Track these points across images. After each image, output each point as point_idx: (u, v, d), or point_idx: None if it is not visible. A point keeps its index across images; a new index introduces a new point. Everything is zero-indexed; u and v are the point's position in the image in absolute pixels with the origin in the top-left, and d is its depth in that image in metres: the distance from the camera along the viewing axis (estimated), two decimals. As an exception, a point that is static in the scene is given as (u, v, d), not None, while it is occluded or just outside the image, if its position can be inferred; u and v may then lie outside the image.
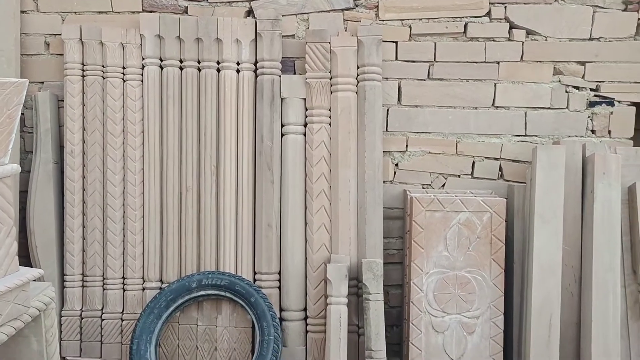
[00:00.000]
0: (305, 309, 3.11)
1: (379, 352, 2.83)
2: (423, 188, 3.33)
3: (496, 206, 3.03)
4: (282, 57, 3.20)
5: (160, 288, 3.11)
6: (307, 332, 3.10)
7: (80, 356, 3.12)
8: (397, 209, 3.33)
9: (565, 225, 2.95)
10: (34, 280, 2.43)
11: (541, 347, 2.83)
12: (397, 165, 3.33)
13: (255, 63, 3.18)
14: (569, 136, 3.24)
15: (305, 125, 3.17)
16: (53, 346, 2.57)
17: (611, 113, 3.22)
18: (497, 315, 3.01)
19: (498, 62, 3.24)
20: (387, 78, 3.26)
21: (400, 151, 3.31)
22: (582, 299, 2.92)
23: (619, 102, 3.22)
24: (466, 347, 3.00)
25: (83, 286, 3.15)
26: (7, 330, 2.22)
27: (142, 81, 3.17)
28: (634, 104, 3.23)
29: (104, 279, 3.15)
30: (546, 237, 2.88)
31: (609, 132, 3.24)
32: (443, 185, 3.33)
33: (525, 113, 3.26)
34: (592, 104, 3.23)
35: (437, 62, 3.27)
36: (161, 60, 3.18)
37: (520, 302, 3.06)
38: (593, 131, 3.25)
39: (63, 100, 3.21)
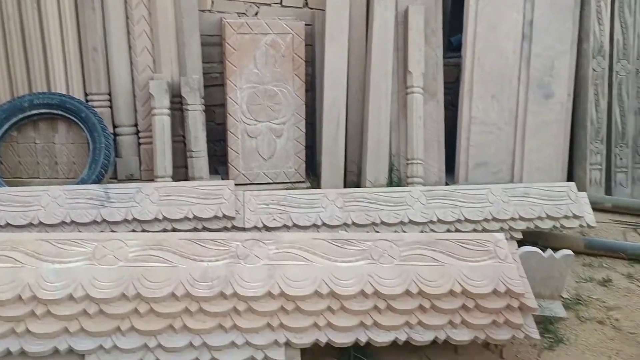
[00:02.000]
0: (136, 125, 3.46)
1: (199, 152, 3.30)
2: (239, 16, 3.66)
3: (297, 28, 3.46)
4: None
5: (-5, 112, 3.29)
6: (139, 144, 3.48)
7: None
8: (216, 36, 3.66)
9: (353, 43, 3.48)
10: None
11: (331, 140, 3.45)
12: (214, -5, 3.61)
13: None
14: (361, -32, 3.67)
15: (122, -46, 3.30)
16: None
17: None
18: (299, 121, 3.57)
19: None
20: None
21: (216, -19, 3.58)
22: (364, 103, 3.53)
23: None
24: (275, 148, 3.56)
25: None
26: None
27: None
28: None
29: (-64, 105, 3.26)
30: (335, 51, 3.40)
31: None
32: (256, 14, 3.68)
33: (325, -54, 3.61)
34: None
35: None
36: None
37: (320, 109, 3.62)
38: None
39: None
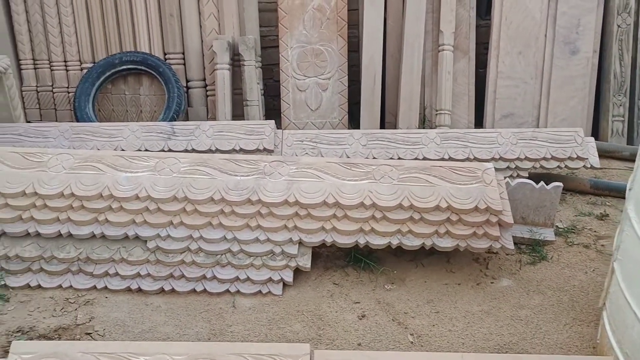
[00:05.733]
0: (204, 79, 4.04)
1: (253, 102, 3.82)
2: (293, -15, 4.11)
3: (340, -7, 3.86)
4: None
5: (94, 68, 3.98)
6: (207, 96, 4.06)
7: (40, 120, 4.07)
8: (273, 2, 4.13)
9: (391, 6, 3.83)
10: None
11: (368, 93, 3.84)
12: (271, -34, 4.07)
13: None
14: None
15: None
16: (15, 100, 3.49)
17: None
18: (343, 77, 3.98)
19: None
20: None
21: (273, -46, 4.04)
22: (400, 61, 3.88)
23: None
24: (322, 101, 4.01)
25: (35, 68, 4.01)
26: (-22, 80, 3.10)
27: None
28: None
29: (50, 62, 4.00)
30: (372, 13, 3.76)
31: None
32: (309, -18, 4.10)
33: None
34: None
35: None
36: None
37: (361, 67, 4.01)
38: None
39: None
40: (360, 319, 2.34)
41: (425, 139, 3.21)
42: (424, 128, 3.86)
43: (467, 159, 3.16)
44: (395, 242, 2.51)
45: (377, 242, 2.51)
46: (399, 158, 3.17)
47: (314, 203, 2.53)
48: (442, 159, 3.15)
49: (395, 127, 3.97)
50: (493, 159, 3.15)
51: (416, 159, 3.17)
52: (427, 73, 3.86)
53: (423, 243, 2.51)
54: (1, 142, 3.14)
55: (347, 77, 3.96)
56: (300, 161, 2.69)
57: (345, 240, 2.52)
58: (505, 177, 2.78)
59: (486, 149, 3.17)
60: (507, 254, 2.70)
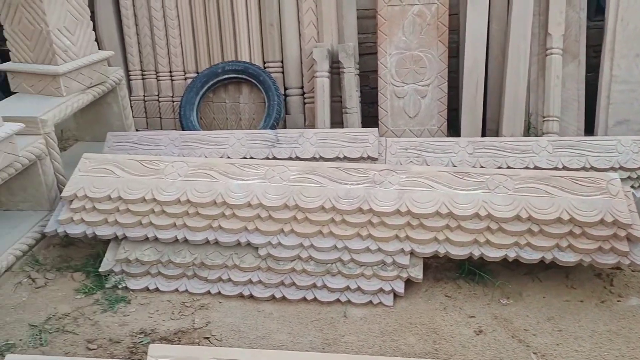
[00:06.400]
0: (302, 87, 4.07)
1: (352, 109, 3.81)
2: (391, -9, 4.07)
3: (441, -2, 3.79)
4: None
5: (197, 78, 4.12)
6: (304, 103, 4.09)
7: (147, 128, 4.25)
8: (371, 9, 4.11)
9: (494, 9, 3.71)
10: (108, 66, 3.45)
11: (470, 99, 3.73)
12: (370, -26, 4.06)
13: None
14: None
15: (294, -56, 3.90)
16: (127, 110, 3.66)
17: None
18: (442, 83, 3.89)
19: None
20: None
21: (372, -39, 4.03)
22: (504, 65, 3.75)
23: None
24: (420, 108, 3.94)
25: (143, 78, 4.20)
26: (97, 90, 3.29)
27: None
28: None
29: (156, 72, 4.17)
30: (475, 17, 3.65)
31: None
32: (407, -12, 4.06)
33: None
34: None
35: None
36: None
37: (462, 72, 3.91)
38: None
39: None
40: (478, 334, 2.26)
41: (536, 147, 3.07)
42: (529, 135, 3.71)
43: (583, 169, 2.99)
44: (512, 254, 2.40)
45: (493, 254, 2.41)
46: (508, 167, 3.05)
47: (426, 213, 2.47)
48: (556, 169, 3.01)
49: (497, 134, 3.83)
50: (612, 168, 2.96)
51: (527, 168, 3.04)
52: (532, 78, 3.70)
53: (543, 257, 2.39)
54: (117, 149, 3.29)
55: (446, 83, 3.87)
56: (410, 170, 2.65)
57: (458, 252, 2.44)
58: (630, 188, 2.61)
59: (604, 158, 2.99)
60: (633, 271, 2.53)
